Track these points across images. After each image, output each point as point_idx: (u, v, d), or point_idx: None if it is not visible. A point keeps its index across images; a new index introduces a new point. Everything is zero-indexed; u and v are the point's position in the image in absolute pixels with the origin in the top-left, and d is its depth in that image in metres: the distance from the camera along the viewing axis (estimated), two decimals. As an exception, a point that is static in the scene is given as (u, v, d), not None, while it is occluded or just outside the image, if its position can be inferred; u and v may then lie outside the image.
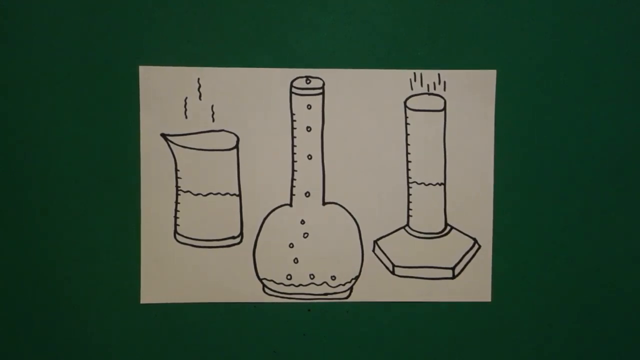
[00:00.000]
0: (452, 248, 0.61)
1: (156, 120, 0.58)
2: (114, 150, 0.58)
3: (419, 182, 0.60)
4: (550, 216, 0.60)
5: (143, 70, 0.58)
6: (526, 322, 0.61)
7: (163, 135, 0.59)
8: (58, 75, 0.57)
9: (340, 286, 0.60)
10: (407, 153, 0.60)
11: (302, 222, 0.60)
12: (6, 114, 0.58)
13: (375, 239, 0.60)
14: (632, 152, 0.60)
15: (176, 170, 0.59)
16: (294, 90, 0.59)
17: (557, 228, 0.60)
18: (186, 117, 0.59)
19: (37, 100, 0.58)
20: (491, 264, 0.61)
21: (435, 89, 0.59)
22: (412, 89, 0.59)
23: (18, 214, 0.58)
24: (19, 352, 0.60)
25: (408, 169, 0.60)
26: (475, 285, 0.61)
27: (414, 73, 0.59)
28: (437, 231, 0.61)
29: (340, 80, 0.59)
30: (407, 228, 0.60)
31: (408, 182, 0.60)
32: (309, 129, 0.59)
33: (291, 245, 0.60)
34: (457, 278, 0.61)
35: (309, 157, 0.60)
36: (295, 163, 0.60)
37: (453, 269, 0.61)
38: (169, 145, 0.59)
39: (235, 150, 0.59)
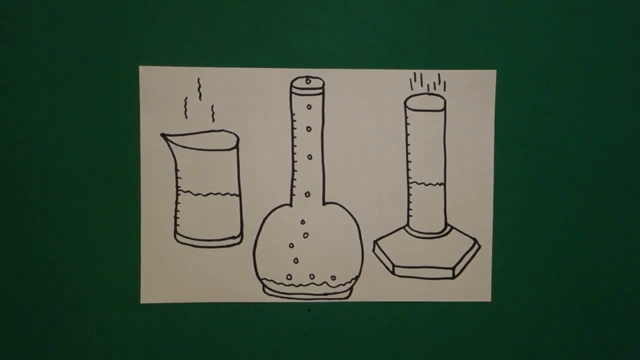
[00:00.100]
0: (452, 248, 0.61)
1: (156, 120, 0.58)
2: (114, 150, 0.58)
3: (419, 182, 0.60)
4: (550, 216, 0.60)
5: (143, 70, 0.58)
6: (526, 322, 0.61)
7: (163, 135, 0.59)
8: (58, 75, 0.57)
9: (340, 286, 0.60)
10: (407, 153, 0.60)
11: (302, 222, 0.60)
12: (6, 114, 0.58)
13: (375, 239, 0.60)
14: (632, 152, 0.60)
15: (176, 170, 0.59)
16: (294, 90, 0.59)
17: (557, 228, 0.60)
18: (186, 117, 0.59)
19: (37, 100, 0.58)
20: (491, 264, 0.61)
21: (435, 89, 0.59)
22: (412, 89, 0.59)
23: (18, 214, 0.58)
24: (19, 352, 0.60)
25: (408, 169, 0.60)
26: (475, 285, 0.61)
27: (414, 73, 0.59)
28: (437, 231, 0.61)
29: (340, 80, 0.59)
30: (407, 228, 0.60)
31: (408, 182, 0.60)
32: (309, 129, 0.59)
33: (291, 245, 0.60)
34: (457, 278, 0.61)
35: (309, 157, 0.60)
36: (295, 163, 0.60)
37: (453, 269, 0.61)
38: (169, 145, 0.59)
39: (235, 150, 0.59)
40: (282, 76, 0.59)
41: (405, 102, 0.59)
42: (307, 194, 0.60)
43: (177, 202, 0.59)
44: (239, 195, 0.59)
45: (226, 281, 0.60)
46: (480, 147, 0.60)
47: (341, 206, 0.60)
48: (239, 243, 0.60)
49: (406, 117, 0.60)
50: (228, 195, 0.59)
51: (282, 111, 0.59)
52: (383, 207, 0.60)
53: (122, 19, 0.57)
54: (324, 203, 0.60)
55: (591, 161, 0.60)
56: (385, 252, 0.60)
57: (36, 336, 0.59)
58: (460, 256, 0.61)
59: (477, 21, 0.58)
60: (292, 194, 0.60)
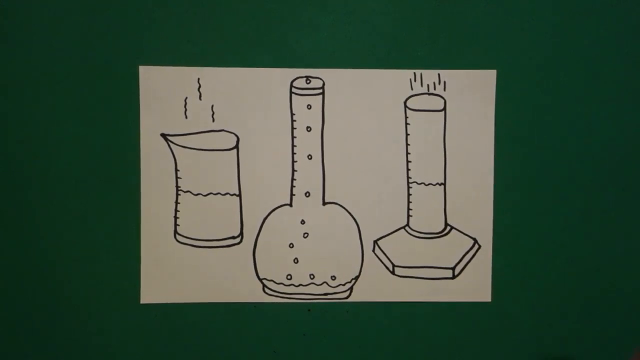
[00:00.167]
0: (452, 248, 0.61)
1: (156, 120, 0.58)
2: (114, 150, 0.58)
3: (419, 182, 0.60)
4: (550, 216, 0.60)
5: (143, 70, 0.58)
6: (526, 322, 0.61)
7: (163, 135, 0.59)
8: (58, 75, 0.57)
9: (340, 286, 0.60)
10: (407, 153, 0.60)
11: (302, 222, 0.60)
12: (6, 114, 0.58)
13: (375, 239, 0.60)
14: (632, 152, 0.60)
15: (176, 170, 0.59)
16: (294, 90, 0.59)
17: (557, 228, 0.60)
18: (186, 117, 0.59)
19: (37, 100, 0.58)
20: (491, 264, 0.61)
21: (435, 89, 0.59)
22: (412, 89, 0.59)
23: (18, 214, 0.58)
24: (19, 352, 0.60)
25: (408, 169, 0.60)
26: (475, 285, 0.61)
27: (414, 73, 0.59)
28: (437, 231, 0.61)
29: (340, 80, 0.59)
30: (407, 228, 0.60)
31: (408, 182, 0.60)
32: (309, 129, 0.59)
33: (291, 245, 0.60)
34: (457, 278, 0.61)
35: (309, 157, 0.60)
36: (295, 163, 0.60)
37: (453, 269, 0.61)
38: (169, 145, 0.59)
39: (235, 150, 0.59)
40: (282, 76, 0.59)
41: (405, 102, 0.59)
42: (307, 194, 0.60)
43: (177, 202, 0.59)
44: (239, 195, 0.59)
45: (226, 281, 0.60)
46: (480, 147, 0.60)
47: (341, 206, 0.60)
48: (239, 243, 0.60)
49: (406, 117, 0.60)
50: (228, 195, 0.59)
51: (282, 111, 0.59)
52: (383, 207, 0.60)
53: (122, 19, 0.57)
54: (324, 203, 0.60)
55: (591, 161, 0.60)
56: (385, 252, 0.60)
57: (36, 336, 0.59)
58: (460, 256, 0.61)
59: (477, 21, 0.58)
60: (292, 194, 0.60)
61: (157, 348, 0.60)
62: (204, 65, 0.58)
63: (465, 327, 0.61)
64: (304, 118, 0.59)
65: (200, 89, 0.58)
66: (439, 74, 0.59)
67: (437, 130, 0.60)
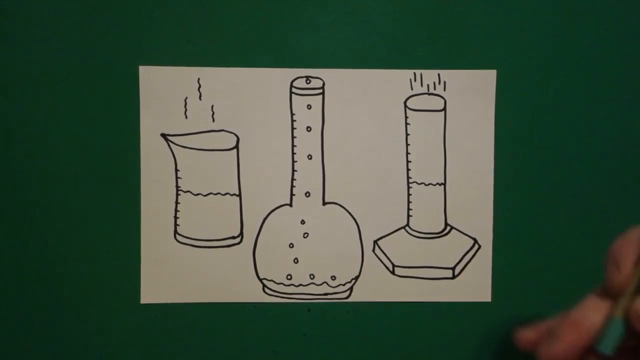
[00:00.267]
0: (452, 248, 0.61)
1: (156, 120, 0.58)
2: (114, 150, 0.58)
3: (419, 182, 0.60)
4: (550, 216, 0.60)
5: (143, 70, 0.58)
6: (526, 322, 0.61)
7: (163, 135, 0.59)
8: (58, 75, 0.57)
9: (340, 286, 0.60)
10: (407, 153, 0.60)
11: (302, 222, 0.60)
12: (6, 114, 0.58)
13: (375, 239, 0.60)
14: (632, 152, 0.60)
15: (176, 170, 0.59)
16: (294, 90, 0.59)
17: (557, 228, 0.60)
18: (186, 117, 0.59)
19: (37, 100, 0.58)
20: (491, 264, 0.61)
21: (435, 89, 0.59)
22: (412, 89, 0.59)
23: (18, 214, 0.58)
24: (19, 352, 0.59)
25: (408, 169, 0.60)
26: (475, 285, 0.61)
27: (414, 73, 0.59)
28: (437, 231, 0.61)
29: (340, 80, 0.59)
30: (407, 228, 0.60)
31: (408, 182, 0.60)
32: (309, 129, 0.59)
33: (291, 245, 0.60)
34: (457, 278, 0.61)
35: (309, 157, 0.60)
36: (295, 163, 0.60)
37: (453, 269, 0.61)
38: (169, 145, 0.59)
39: (235, 150, 0.59)
40: (282, 76, 0.59)
41: (405, 102, 0.59)
42: (307, 194, 0.60)
43: (177, 202, 0.59)
44: (239, 195, 0.59)
45: (226, 281, 0.60)
46: (480, 147, 0.60)
47: (341, 206, 0.60)
48: (239, 243, 0.60)
49: (406, 117, 0.60)
50: (228, 195, 0.59)
51: (282, 111, 0.59)
52: (383, 207, 0.60)
53: (122, 19, 0.57)
54: (324, 203, 0.60)
55: (591, 161, 0.60)
56: (385, 252, 0.60)
57: (36, 336, 0.59)
58: (460, 256, 0.61)
59: (477, 21, 0.58)
60: (292, 194, 0.60)
61: (157, 348, 0.60)
62: (204, 65, 0.58)
63: (465, 327, 0.61)
64: (304, 118, 0.59)
65: (200, 89, 0.58)
66: (439, 74, 0.59)
67: (437, 130, 0.60)
